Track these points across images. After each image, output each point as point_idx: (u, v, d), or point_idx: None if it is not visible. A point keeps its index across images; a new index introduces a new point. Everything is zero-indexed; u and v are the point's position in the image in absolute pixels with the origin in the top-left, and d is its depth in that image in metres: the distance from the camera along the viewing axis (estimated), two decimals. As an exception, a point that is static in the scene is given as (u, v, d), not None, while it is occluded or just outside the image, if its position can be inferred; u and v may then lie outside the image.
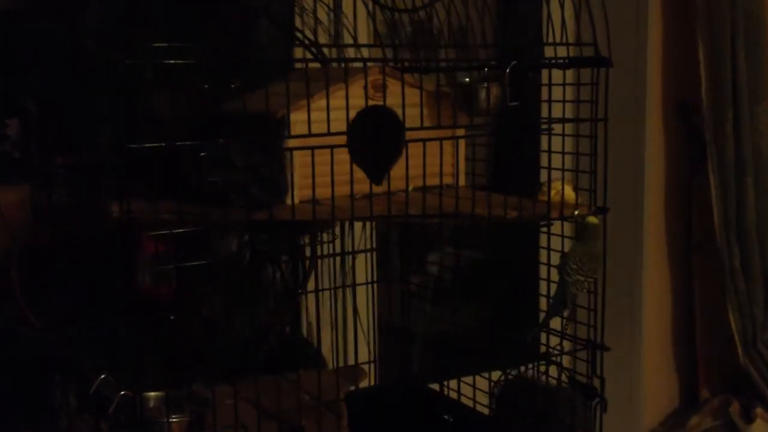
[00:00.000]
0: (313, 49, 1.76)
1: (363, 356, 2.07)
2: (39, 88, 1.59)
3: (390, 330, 2.34)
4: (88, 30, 1.54)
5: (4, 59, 1.67)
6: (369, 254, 2.04)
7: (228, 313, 1.85)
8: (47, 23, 1.63)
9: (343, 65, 1.55)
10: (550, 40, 1.60)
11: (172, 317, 1.58)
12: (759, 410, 2.58)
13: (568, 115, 1.65)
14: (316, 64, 1.75)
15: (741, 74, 2.44)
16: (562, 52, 1.61)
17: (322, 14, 1.91)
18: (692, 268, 2.67)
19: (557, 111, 1.70)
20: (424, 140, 1.51)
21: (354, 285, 2.02)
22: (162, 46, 1.26)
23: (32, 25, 1.65)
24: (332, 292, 1.94)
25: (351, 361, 2.08)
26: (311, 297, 1.91)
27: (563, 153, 1.69)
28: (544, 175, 1.73)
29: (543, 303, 1.76)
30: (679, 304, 2.71)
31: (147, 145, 1.26)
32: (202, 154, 1.29)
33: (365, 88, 1.50)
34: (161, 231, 1.44)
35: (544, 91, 1.71)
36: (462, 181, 1.68)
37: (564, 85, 1.63)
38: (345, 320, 2.12)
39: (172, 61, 1.25)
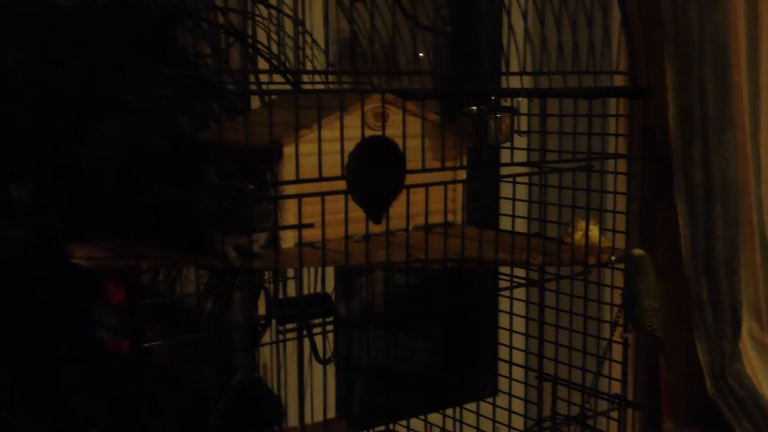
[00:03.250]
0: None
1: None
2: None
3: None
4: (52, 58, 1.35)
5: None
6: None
7: (191, 363, 1.67)
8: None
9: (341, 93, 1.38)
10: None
11: (138, 384, 1.39)
12: (727, 445, 2.51)
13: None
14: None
15: (709, 101, 2.38)
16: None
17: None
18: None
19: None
20: (436, 184, 1.35)
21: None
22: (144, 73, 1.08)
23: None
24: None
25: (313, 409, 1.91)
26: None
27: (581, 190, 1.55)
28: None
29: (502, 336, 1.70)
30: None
31: (164, 191, 1.06)
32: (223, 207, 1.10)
33: (373, 115, 1.34)
34: (129, 278, 1.26)
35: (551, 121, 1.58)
36: (458, 219, 1.54)
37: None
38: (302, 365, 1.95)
39: (179, 92, 1.07)
